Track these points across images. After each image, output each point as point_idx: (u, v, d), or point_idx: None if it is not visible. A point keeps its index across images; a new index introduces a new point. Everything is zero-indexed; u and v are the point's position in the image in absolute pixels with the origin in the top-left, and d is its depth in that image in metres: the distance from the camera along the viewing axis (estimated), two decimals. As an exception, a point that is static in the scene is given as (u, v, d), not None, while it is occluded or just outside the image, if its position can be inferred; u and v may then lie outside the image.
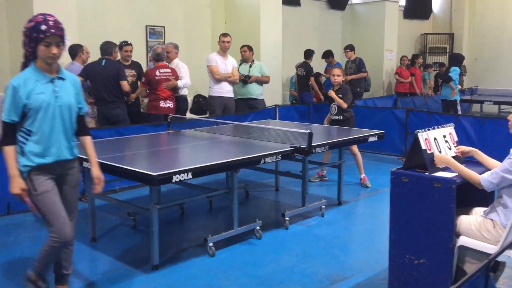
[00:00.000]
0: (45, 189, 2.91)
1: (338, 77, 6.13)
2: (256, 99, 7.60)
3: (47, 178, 2.94)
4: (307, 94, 9.61)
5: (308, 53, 9.66)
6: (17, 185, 2.87)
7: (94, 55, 6.53)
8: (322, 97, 9.50)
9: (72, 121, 3.02)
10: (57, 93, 2.91)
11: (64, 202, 3.01)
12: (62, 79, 2.97)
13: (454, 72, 9.08)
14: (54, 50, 2.83)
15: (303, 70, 9.53)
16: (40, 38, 2.79)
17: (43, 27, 2.78)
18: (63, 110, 2.94)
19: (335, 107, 6.16)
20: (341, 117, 6.14)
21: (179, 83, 6.56)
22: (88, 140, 3.19)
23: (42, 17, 2.82)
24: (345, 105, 6.06)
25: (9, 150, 2.87)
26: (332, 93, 6.15)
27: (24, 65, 2.95)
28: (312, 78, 9.51)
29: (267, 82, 7.72)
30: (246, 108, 7.50)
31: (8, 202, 5.08)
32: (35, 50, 2.84)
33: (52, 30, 2.80)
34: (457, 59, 9.49)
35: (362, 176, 6.30)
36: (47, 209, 2.90)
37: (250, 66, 7.57)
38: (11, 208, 5.11)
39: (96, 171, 3.13)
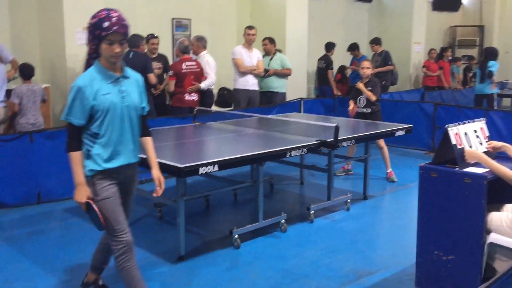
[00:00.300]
0: (107, 195, 2.75)
1: (367, 69, 6.06)
2: (275, 92, 7.54)
3: (111, 183, 2.77)
4: (327, 88, 9.47)
5: (329, 46, 9.54)
6: (83, 194, 2.70)
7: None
8: (335, 92, 9.33)
9: (138, 122, 2.87)
10: (123, 93, 2.75)
11: (123, 209, 2.88)
12: (127, 77, 2.81)
13: (495, 67, 9.16)
14: (117, 48, 2.65)
15: (323, 62, 9.43)
16: (102, 36, 2.62)
17: (106, 24, 2.60)
18: (130, 111, 2.78)
19: (363, 100, 6.09)
20: (369, 110, 6.06)
21: (202, 85, 6.56)
22: (149, 141, 3.01)
23: (105, 12, 2.65)
24: (374, 98, 5.98)
25: (76, 156, 2.71)
26: (360, 85, 6.07)
27: (88, 63, 2.79)
28: (329, 71, 9.37)
29: (288, 74, 7.65)
30: (264, 102, 7.46)
31: (38, 191, 5.21)
32: (99, 47, 2.68)
33: (115, 27, 2.61)
34: (492, 53, 9.41)
35: (388, 171, 6.23)
36: (108, 216, 2.74)
37: (271, 59, 7.53)
38: (41, 198, 5.23)
39: (156, 172, 2.97)
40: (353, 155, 6.14)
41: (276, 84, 7.53)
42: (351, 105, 6.19)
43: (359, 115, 6.15)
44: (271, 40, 7.58)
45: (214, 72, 6.78)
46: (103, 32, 2.61)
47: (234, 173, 5.84)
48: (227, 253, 4.00)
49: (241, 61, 7.09)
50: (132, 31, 6.49)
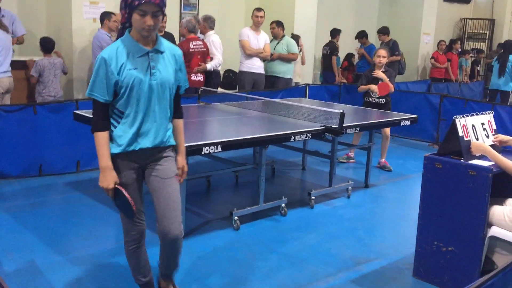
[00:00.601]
0: (125, 181, 2.53)
1: (383, 58, 5.85)
2: (278, 77, 7.46)
3: (130, 169, 2.55)
4: (331, 74, 9.39)
5: (334, 32, 9.43)
6: (111, 179, 2.46)
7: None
8: (338, 78, 9.24)
9: (170, 102, 2.58)
10: (153, 68, 2.47)
11: (159, 198, 2.60)
12: (160, 52, 2.51)
13: None
14: (149, 21, 2.36)
15: (328, 49, 9.33)
16: (135, 5, 2.34)
17: None
18: (160, 89, 2.50)
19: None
20: (384, 101, 5.93)
21: (208, 66, 6.51)
22: (180, 124, 2.72)
23: None
24: (393, 89, 5.87)
25: (103, 137, 2.45)
26: (381, 74, 5.85)
27: (120, 32, 2.53)
28: (333, 57, 9.28)
29: (293, 59, 7.57)
30: (268, 86, 7.39)
31: (40, 163, 5.20)
32: (131, 17, 2.40)
33: None
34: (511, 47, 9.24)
35: (383, 160, 6.18)
36: None
37: (277, 43, 7.45)
38: (42, 170, 5.23)
39: (182, 161, 2.72)
40: (358, 144, 6.10)
41: (280, 69, 7.44)
42: (373, 87, 5.88)
43: (371, 105, 6.00)
44: (279, 24, 7.48)
45: (220, 52, 6.71)
46: (136, 0, 2.34)
47: (236, 156, 5.82)
48: (226, 234, 4.00)
49: (248, 43, 7.03)
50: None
